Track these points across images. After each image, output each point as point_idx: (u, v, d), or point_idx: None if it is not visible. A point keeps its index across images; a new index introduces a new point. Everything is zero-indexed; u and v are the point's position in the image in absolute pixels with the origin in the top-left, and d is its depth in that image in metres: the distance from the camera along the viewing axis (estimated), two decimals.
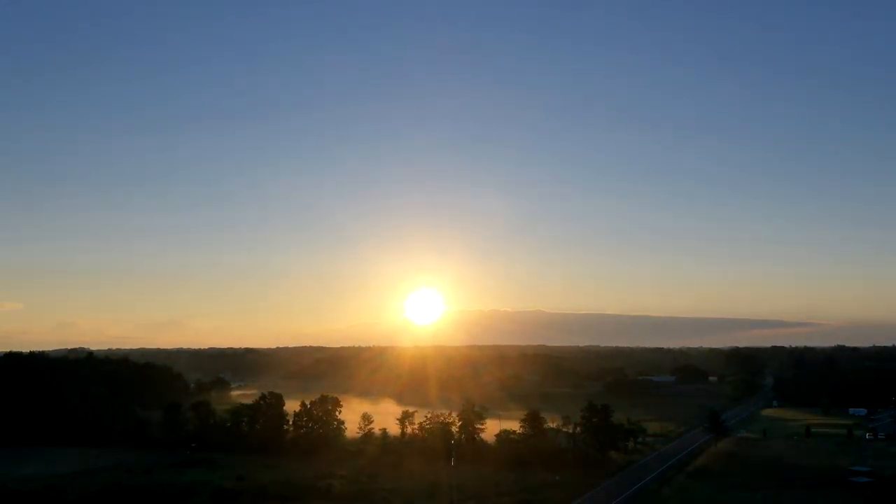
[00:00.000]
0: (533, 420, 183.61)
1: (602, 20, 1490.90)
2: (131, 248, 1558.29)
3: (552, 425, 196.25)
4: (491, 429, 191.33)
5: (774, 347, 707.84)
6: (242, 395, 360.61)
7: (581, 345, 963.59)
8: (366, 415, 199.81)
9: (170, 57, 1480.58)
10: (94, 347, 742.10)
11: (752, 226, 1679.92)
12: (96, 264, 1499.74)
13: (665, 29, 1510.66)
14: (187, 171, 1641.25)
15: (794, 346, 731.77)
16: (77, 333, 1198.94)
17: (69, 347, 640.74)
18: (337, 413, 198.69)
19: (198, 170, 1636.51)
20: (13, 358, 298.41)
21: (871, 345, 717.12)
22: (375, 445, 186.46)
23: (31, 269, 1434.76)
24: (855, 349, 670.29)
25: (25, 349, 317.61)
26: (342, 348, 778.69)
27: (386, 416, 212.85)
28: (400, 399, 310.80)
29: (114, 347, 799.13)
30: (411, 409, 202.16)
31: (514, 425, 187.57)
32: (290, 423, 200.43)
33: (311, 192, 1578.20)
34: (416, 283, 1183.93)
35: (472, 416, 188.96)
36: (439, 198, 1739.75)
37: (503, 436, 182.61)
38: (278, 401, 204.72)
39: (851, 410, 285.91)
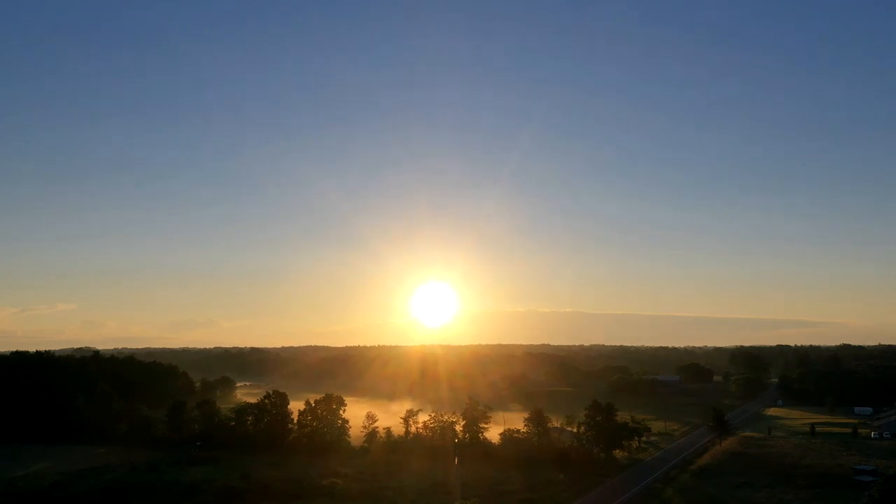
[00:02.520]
0: (537, 419, 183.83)
1: (607, 20, 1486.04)
2: (157, 250, 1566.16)
3: (556, 424, 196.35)
4: (495, 428, 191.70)
5: (779, 346, 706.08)
6: (247, 394, 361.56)
7: (586, 344, 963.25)
8: (370, 414, 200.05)
9: (177, 58, 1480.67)
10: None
11: (757, 225, 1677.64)
12: (129, 264, 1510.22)
13: (670, 29, 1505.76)
14: (189, 171, 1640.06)
15: (799, 344, 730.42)
16: (105, 332, 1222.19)
17: (74, 346, 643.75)
18: (341, 412, 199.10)
19: (200, 170, 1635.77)
20: (19, 357, 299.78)
21: (877, 343, 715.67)
22: (379, 445, 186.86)
23: (84, 270, 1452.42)
24: (860, 348, 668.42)
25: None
26: (348, 347, 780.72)
27: (390, 416, 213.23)
28: (404, 398, 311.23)
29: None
30: (415, 409, 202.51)
31: (519, 424, 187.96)
32: (295, 421, 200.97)
33: (318, 192, 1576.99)
34: (429, 284, 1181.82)
35: (477, 416, 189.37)
36: (450, 198, 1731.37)
37: (507, 435, 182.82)
38: (283, 400, 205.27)
39: (857, 409, 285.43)
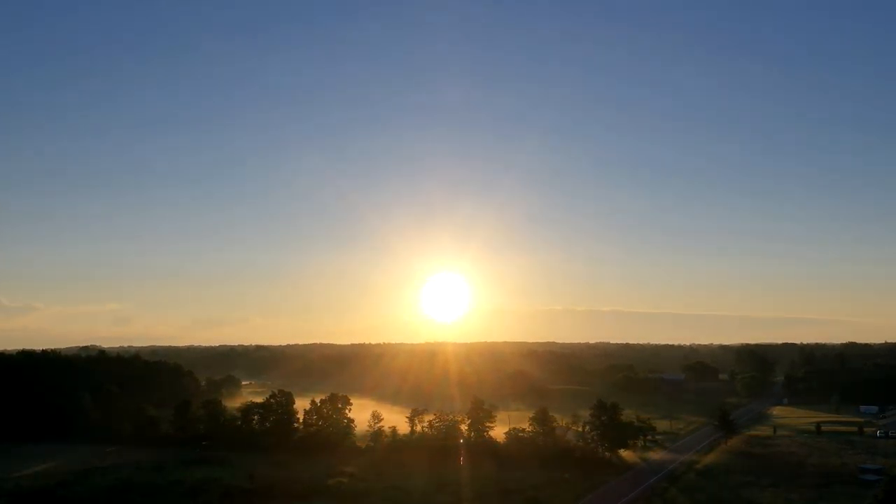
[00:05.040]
0: (542, 418, 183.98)
1: (610, 22, 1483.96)
2: (200, 251, 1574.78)
3: (561, 423, 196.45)
4: (500, 426, 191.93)
5: (785, 344, 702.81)
6: (253, 392, 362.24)
7: (591, 341, 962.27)
8: (375, 413, 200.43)
9: (193, 62, 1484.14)
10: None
11: (762, 222, 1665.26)
12: (173, 265, 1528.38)
13: (672, 30, 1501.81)
14: (189, 172, 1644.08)
15: (805, 343, 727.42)
16: (134, 330, 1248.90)
17: (81, 345, 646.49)
18: (347, 411, 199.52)
19: (200, 169, 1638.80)
20: (25, 356, 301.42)
21: (883, 342, 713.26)
22: (385, 444, 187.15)
23: (137, 271, 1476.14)
24: (866, 346, 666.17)
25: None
26: (354, 345, 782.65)
27: (396, 414, 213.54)
28: (410, 396, 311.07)
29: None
30: (421, 407, 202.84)
31: (524, 423, 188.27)
32: (301, 421, 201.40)
33: (328, 189, 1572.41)
34: (441, 275, 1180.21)
35: (481, 415, 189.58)
36: (459, 196, 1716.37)
37: (512, 434, 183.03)
38: (288, 399, 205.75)
39: (862, 408, 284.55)
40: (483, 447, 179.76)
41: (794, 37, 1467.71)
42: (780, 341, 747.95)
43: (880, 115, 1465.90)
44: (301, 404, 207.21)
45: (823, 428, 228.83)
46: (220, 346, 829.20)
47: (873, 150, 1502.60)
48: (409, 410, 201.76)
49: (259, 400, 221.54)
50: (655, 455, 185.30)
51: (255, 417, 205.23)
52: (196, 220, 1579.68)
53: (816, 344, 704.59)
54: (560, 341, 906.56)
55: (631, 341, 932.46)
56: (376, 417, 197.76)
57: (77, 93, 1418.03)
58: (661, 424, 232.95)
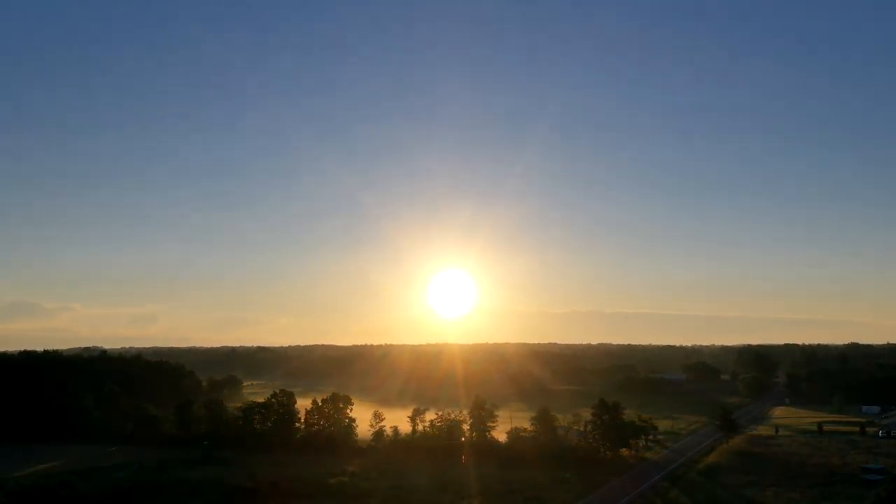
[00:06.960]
0: (544, 418, 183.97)
1: (612, 23, 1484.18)
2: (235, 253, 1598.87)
3: (563, 423, 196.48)
4: (502, 426, 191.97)
5: (787, 345, 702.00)
6: (254, 392, 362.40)
7: (593, 342, 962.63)
8: (377, 413, 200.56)
9: (202, 64, 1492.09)
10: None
11: (764, 223, 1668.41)
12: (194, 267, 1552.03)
13: (677, 32, 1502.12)
14: (191, 174, 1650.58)
15: (806, 343, 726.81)
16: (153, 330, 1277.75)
17: (82, 346, 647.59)
18: (348, 411, 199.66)
19: (201, 170, 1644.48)
20: (27, 356, 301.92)
21: (885, 342, 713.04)
22: (387, 443, 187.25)
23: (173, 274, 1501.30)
24: (868, 346, 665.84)
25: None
26: (356, 346, 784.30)
27: (397, 415, 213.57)
28: (412, 397, 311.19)
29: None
30: (423, 407, 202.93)
31: (526, 423, 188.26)
32: (302, 420, 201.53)
33: (333, 191, 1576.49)
34: (447, 272, 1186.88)
35: (483, 414, 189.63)
36: (464, 197, 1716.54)
37: (514, 433, 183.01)
38: (290, 398, 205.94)
39: (864, 408, 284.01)
40: (485, 447, 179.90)
41: (795, 37, 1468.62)
42: (781, 342, 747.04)
43: (884, 116, 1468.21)
44: (303, 404, 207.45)
45: (825, 428, 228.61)
46: (221, 346, 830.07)
47: (876, 151, 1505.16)
48: (411, 410, 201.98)
49: (260, 400, 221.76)
50: (656, 455, 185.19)
51: (257, 417, 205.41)
52: (204, 222, 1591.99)
53: (818, 344, 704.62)
54: (562, 342, 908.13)
55: (633, 342, 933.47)
56: (378, 417, 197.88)
57: (89, 96, 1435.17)
58: (663, 424, 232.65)
